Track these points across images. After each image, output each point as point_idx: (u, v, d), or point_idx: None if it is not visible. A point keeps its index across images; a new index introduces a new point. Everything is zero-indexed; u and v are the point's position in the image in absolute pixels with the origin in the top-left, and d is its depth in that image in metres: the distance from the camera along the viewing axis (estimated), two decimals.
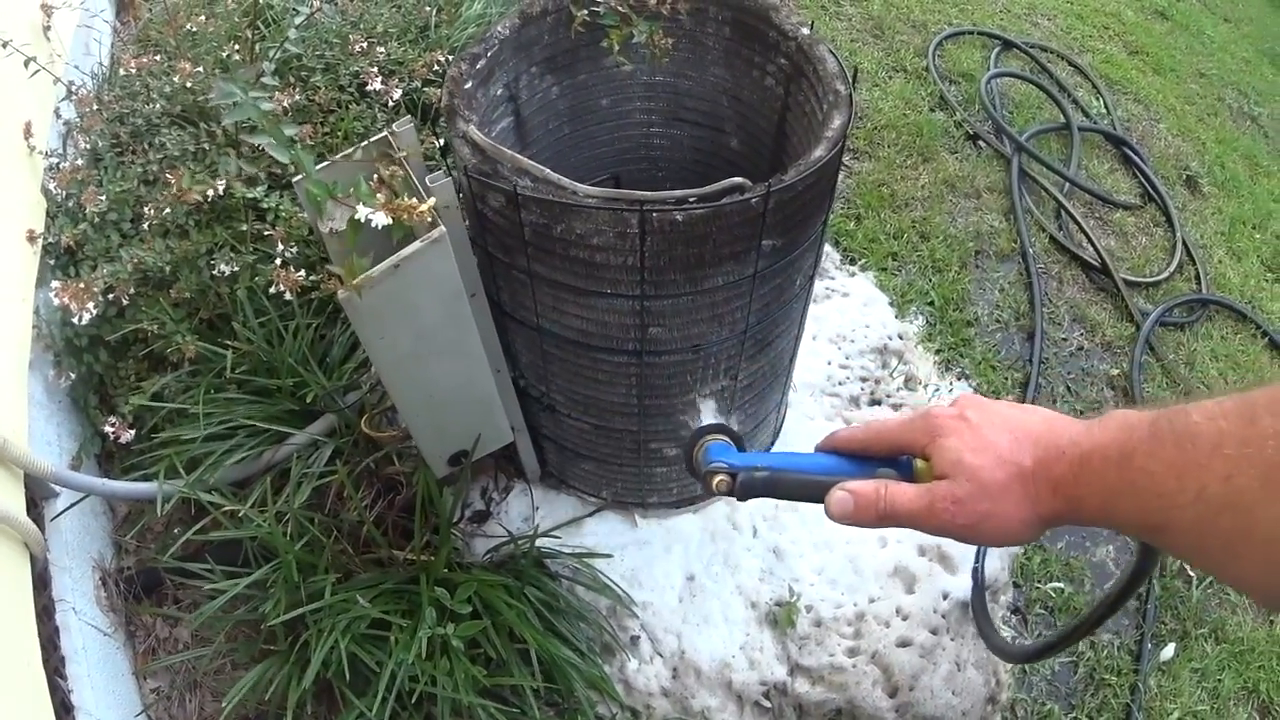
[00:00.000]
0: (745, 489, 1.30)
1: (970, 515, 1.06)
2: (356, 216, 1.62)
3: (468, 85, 2.04)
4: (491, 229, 1.95)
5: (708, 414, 1.69)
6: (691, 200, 1.74)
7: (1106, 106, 5.22)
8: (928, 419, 1.15)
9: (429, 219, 1.68)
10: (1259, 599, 0.88)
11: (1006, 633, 2.91)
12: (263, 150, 1.94)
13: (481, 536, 2.67)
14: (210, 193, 2.63)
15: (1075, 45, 5.75)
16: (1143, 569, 1.31)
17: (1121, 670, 2.92)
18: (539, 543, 2.56)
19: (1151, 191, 4.73)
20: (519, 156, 1.82)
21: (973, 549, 2.80)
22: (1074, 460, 0.99)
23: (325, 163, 1.82)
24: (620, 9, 2.03)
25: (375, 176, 1.73)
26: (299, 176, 1.76)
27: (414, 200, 1.66)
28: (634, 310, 1.95)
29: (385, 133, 1.85)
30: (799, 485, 1.26)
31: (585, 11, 2.05)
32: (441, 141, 3.07)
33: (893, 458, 1.21)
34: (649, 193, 1.74)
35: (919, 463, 1.17)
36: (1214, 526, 0.81)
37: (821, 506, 1.19)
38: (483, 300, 2.09)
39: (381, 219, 1.63)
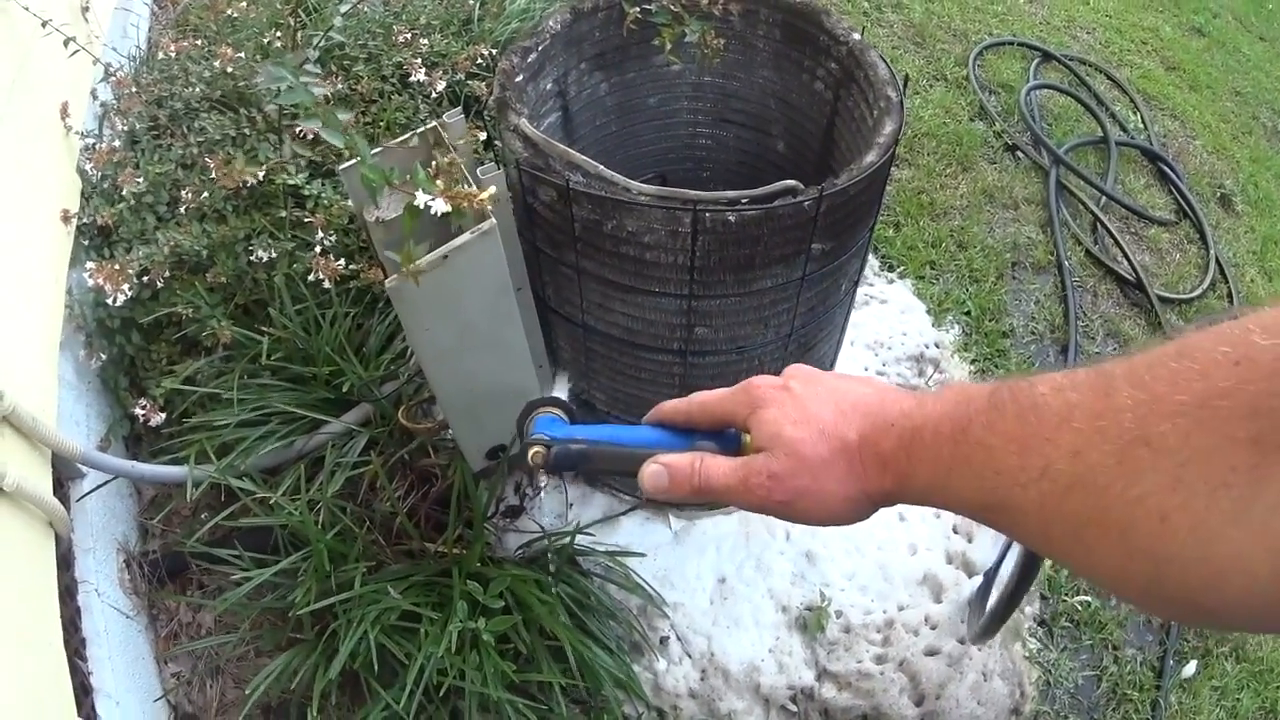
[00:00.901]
0: (558, 461, 1.23)
1: (787, 491, 0.97)
2: (415, 203, 1.61)
3: (519, 78, 2.04)
4: (541, 223, 1.94)
5: (559, 386, 1.66)
6: (744, 201, 1.74)
7: (1143, 122, 5.20)
8: (749, 389, 1.06)
9: (490, 207, 1.67)
10: (1111, 589, 0.79)
11: (1034, 645, 2.90)
12: (306, 136, 1.94)
13: (515, 532, 2.67)
14: (252, 178, 2.63)
15: (1113, 59, 5.73)
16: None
17: (1144, 686, 2.91)
18: (573, 540, 2.55)
19: (1186, 208, 4.71)
20: (571, 151, 1.82)
21: (994, 555, 2.79)
22: (904, 433, 0.90)
23: (376, 149, 1.81)
24: (673, 8, 2.02)
25: (433, 164, 1.72)
26: (345, 164, 1.75)
27: (474, 188, 1.64)
28: (681, 310, 1.94)
29: (435, 123, 1.84)
30: (614, 458, 1.20)
31: (637, 9, 2.04)
32: (485, 135, 3.07)
33: (719, 431, 1.15)
34: (701, 192, 1.73)
35: (746, 437, 1.09)
36: (1060, 508, 0.73)
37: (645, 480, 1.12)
38: (528, 295, 2.08)
39: (441, 206, 1.61)
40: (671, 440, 1.16)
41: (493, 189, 1.69)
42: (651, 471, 1.08)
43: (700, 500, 1.06)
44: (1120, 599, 2.83)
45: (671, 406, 1.17)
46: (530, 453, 1.23)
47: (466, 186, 1.65)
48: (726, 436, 1.14)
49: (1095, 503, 0.70)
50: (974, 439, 0.81)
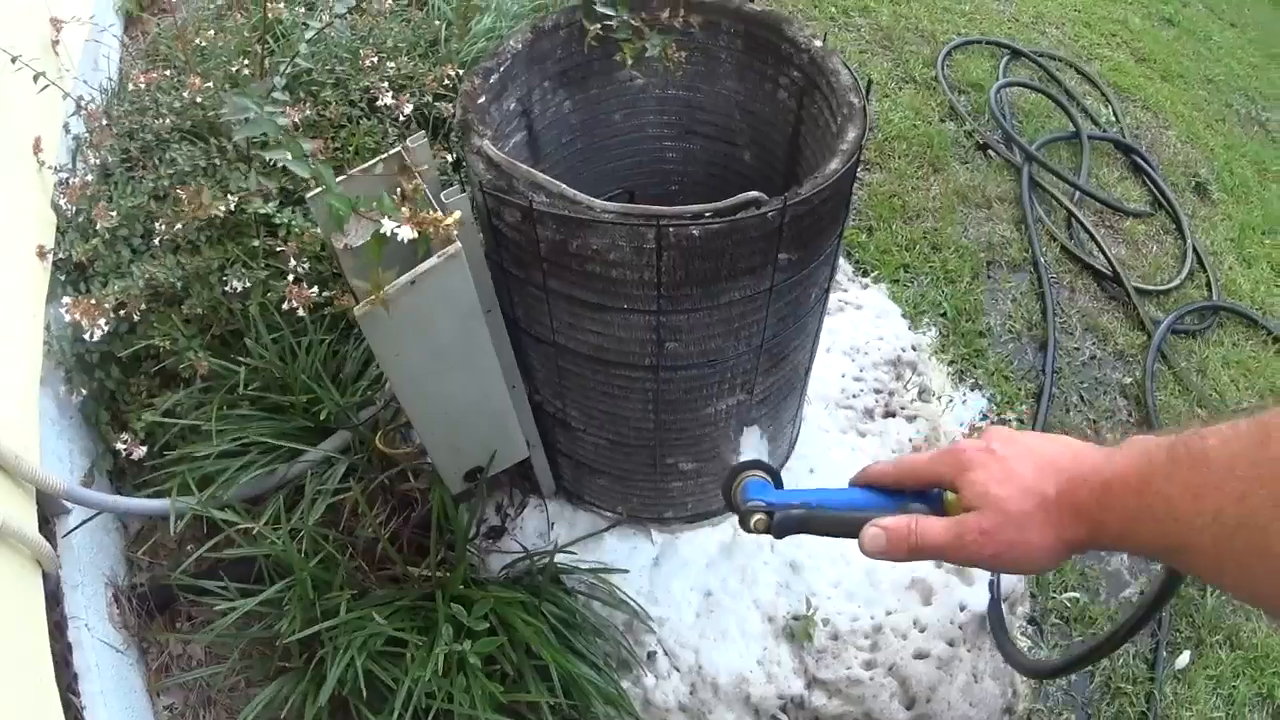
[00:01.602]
0: (781, 528, 1.31)
1: (997, 545, 1.07)
2: (382, 230, 1.61)
3: (481, 100, 2.04)
4: (507, 244, 1.94)
5: (748, 447, 1.69)
6: (708, 215, 1.74)
7: (1115, 114, 5.21)
8: (955, 453, 1.17)
9: (455, 231, 1.67)
10: (1276, 614, 0.90)
11: (1023, 643, 2.90)
12: (275, 165, 1.94)
13: (497, 553, 2.67)
14: (223, 208, 2.63)
15: (1083, 53, 5.75)
16: (1168, 589, 1.31)
17: (1137, 679, 2.91)
18: (555, 558, 2.55)
19: (1161, 199, 4.72)
20: (534, 171, 1.82)
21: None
22: (1096, 487, 1.00)
23: (341, 177, 1.81)
24: (633, 22, 2.03)
25: (398, 191, 1.72)
26: (313, 192, 1.75)
27: (439, 213, 1.65)
28: (650, 325, 1.95)
29: (399, 148, 1.84)
30: (834, 522, 1.27)
31: (598, 26, 2.04)
32: (452, 156, 3.07)
33: (923, 491, 1.23)
34: (665, 207, 1.74)
35: (949, 495, 1.19)
36: (1230, 546, 0.83)
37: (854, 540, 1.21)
38: (498, 316, 2.08)
39: (407, 233, 1.62)
40: (880, 501, 1.26)
41: (458, 214, 1.69)
42: (871, 535, 1.18)
43: (916, 559, 1.17)
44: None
45: (879, 470, 1.29)
46: (753, 520, 1.33)
47: (432, 211, 1.66)
48: (930, 496, 1.23)
49: (1259, 540, 0.81)
50: (1156, 490, 0.91)
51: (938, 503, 1.21)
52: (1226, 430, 0.86)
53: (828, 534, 1.28)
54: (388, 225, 1.62)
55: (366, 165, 1.83)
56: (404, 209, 1.65)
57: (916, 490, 1.24)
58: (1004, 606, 2.79)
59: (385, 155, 1.85)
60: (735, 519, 1.39)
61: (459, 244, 1.72)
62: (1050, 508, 1.05)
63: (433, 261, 1.70)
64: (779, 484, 1.43)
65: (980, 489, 1.10)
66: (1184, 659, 2.98)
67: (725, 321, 1.97)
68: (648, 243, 1.75)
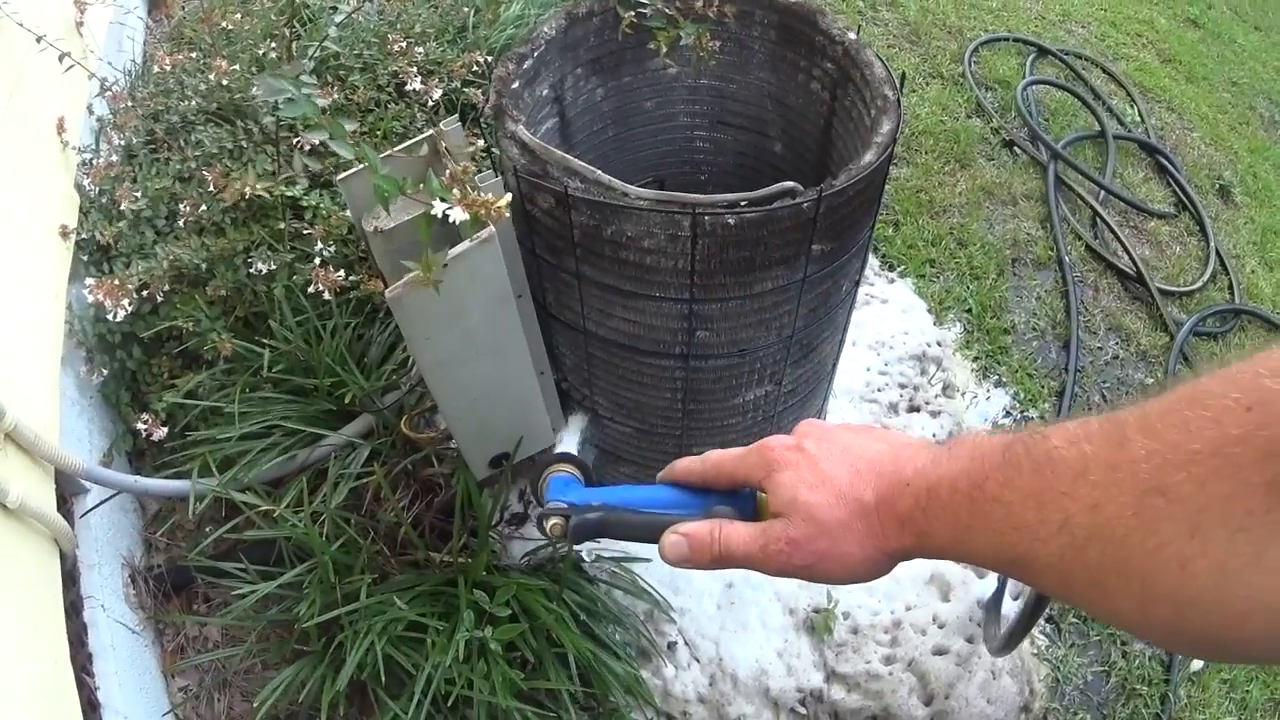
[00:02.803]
0: (577, 533, 1.21)
1: (808, 555, 0.98)
2: (433, 211, 1.60)
3: (514, 85, 2.03)
4: (540, 230, 1.94)
5: (569, 435, 1.63)
6: (743, 204, 1.73)
7: (1140, 115, 5.20)
8: (763, 451, 1.07)
9: (508, 214, 1.66)
10: (1134, 632, 0.81)
11: (1042, 641, 2.90)
12: (304, 147, 1.93)
13: (519, 539, 2.66)
14: (254, 191, 2.62)
15: (1109, 53, 5.73)
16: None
17: (1153, 680, 2.91)
18: (577, 546, 2.54)
19: (1185, 200, 4.71)
20: (569, 157, 1.81)
21: None
22: (919, 492, 0.91)
23: (381, 157, 1.81)
24: (667, 11, 2.02)
25: (447, 172, 1.71)
26: (344, 174, 1.74)
27: (490, 195, 1.64)
28: (682, 314, 1.94)
29: (432, 131, 1.84)
30: (633, 526, 1.18)
31: (632, 13, 2.03)
32: (481, 142, 3.06)
33: (735, 491, 1.14)
34: (700, 195, 1.73)
35: (762, 495, 1.09)
36: (1081, 560, 0.75)
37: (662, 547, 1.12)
38: (529, 302, 2.08)
39: (460, 214, 1.60)
40: (686, 500, 1.16)
41: (508, 196, 1.68)
42: (672, 542, 1.08)
43: (721, 568, 1.07)
44: (1142, 640, 2.85)
45: (684, 467, 1.17)
46: (549, 525, 1.23)
47: (481, 194, 1.65)
48: (742, 496, 1.13)
49: (1115, 553, 0.72)
50: (990, 495, 0.82)
51: (750, 504, 1.12)
52: (1073, 429, 0.78)
53: (628, 539, 1.19)
54: (439, 207, 1.60)
55: (405, 145, 1.82)
56: (455, 191, 1.64)
57: (726, 490, 1.15)
58: (1017, 602, 2.78)
59: (419, 138, 1.84)
60: None
61: (492, 229, 1.71)
62: (869, 515, 0.96)
63: (466, 245, 1.69)
64: (589, 480, 1.37)
65: (789, 494, 1.00)
66: (1198, 662, 2.97)
67: (757, 311, 1.96)
68: (683, 230, 1.74)
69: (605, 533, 1.20)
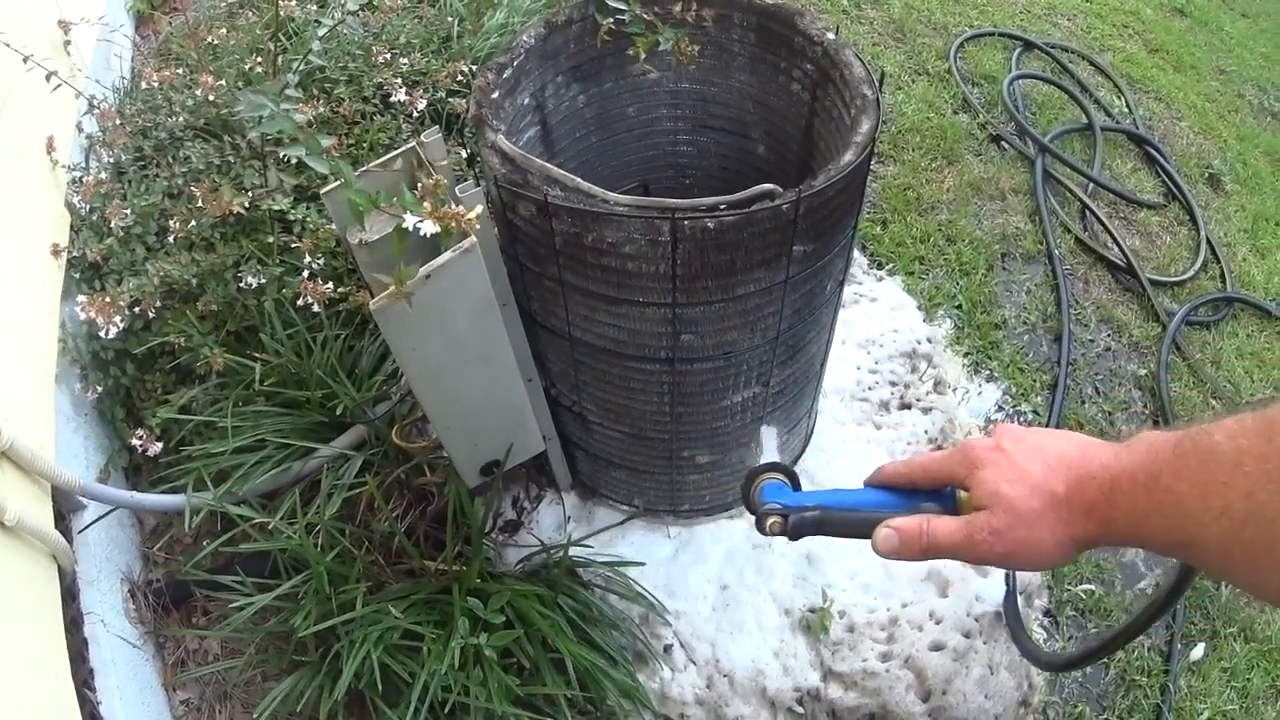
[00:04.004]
0: (796, 530, 1.31)
1: (1008, 544, 1.08)
2: (404, 225, 1.61)
3: (495, 95, 2.04)
4: (522, 238, 1.95)
5: (768, 449, 1.68)
6: (723, 207, 1.74)
7: (1128, 105, 5.20)
8: (966, 451, 1.18)
9: (477, 225, 1.67)
10: None
11: (1039, 635, 2.90)
12: (290, 162, 1.94)
13: (513, 546, 2.67)
14: (241, 205, 2.63)
15: (1095, 44, 5.73)
16: (1182, 583, 1.31)
17: (1152, 671, 2.91)
18: (571, 552, 2.56)
19: (1174, 190, 4.71)
20: (549, 165, 1.82)
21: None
22: (1104, 484, 1.01)
23: (358, 172, 1.81)
24: (646, 17, 2.03)
25: (419, 185, 1.72)
26: (328, 188, 1.75)
27: (461, 208, 1.65)
28: (666, 318, 1.95)
29: (414, 143, 1.84)
30: (848, 523, 1.28)
31: (610, 20, 2.04)
32: (466, 152, 3.07)
33: (936, 490, 1.24)
34: (680, 200, 1.74)
35: (961, 494, 1.20)
36: (1238, 541, 0.84)
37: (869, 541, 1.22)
38: (514, 310, 2.08)
39: (430, 228, 1.61)
40: (894, 501, 1.26)
41: (479, 208, 1.69)
42: (884, 535, 1.19)
43: (929, 559, 1.18)
44: None
45: (893, 470, 1.29)
46: (768, 522, 1.33)
47: (452, 206, 1.66)
48: (943, 495, 1.23)
49: (1266, 534, 0.82)
50: (1164, 486, 0.92)
51: (950, 501, 1.22)
52: (1232, 425, 0.86)
53: (842, 535, 1.28)
54: (410, 220, 1.62)
55: (382, 160, 1.84)
56: (426, 204, 1.65)
57: (929, 489, 1.25)
58: (1021, 600, 2.79)
59: (400, 150, 1.85)
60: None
61: (474, 238, 1.72)
62: (1060, 505, 1.06)
63: (448, 256, 1.70)
64: (796, 486, 1.43)
65: (990, 487, 1.11)
66: (1199, 651, 2.98)
67: (741, 314, 1.97)
68: (663, 235, 1.75)
69: (822, 530, 1.30)
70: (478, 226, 1.68)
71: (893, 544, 1.17)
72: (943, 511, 1.20)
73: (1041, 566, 1.12)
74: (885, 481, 1.29)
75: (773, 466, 1.44)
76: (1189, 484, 0.88)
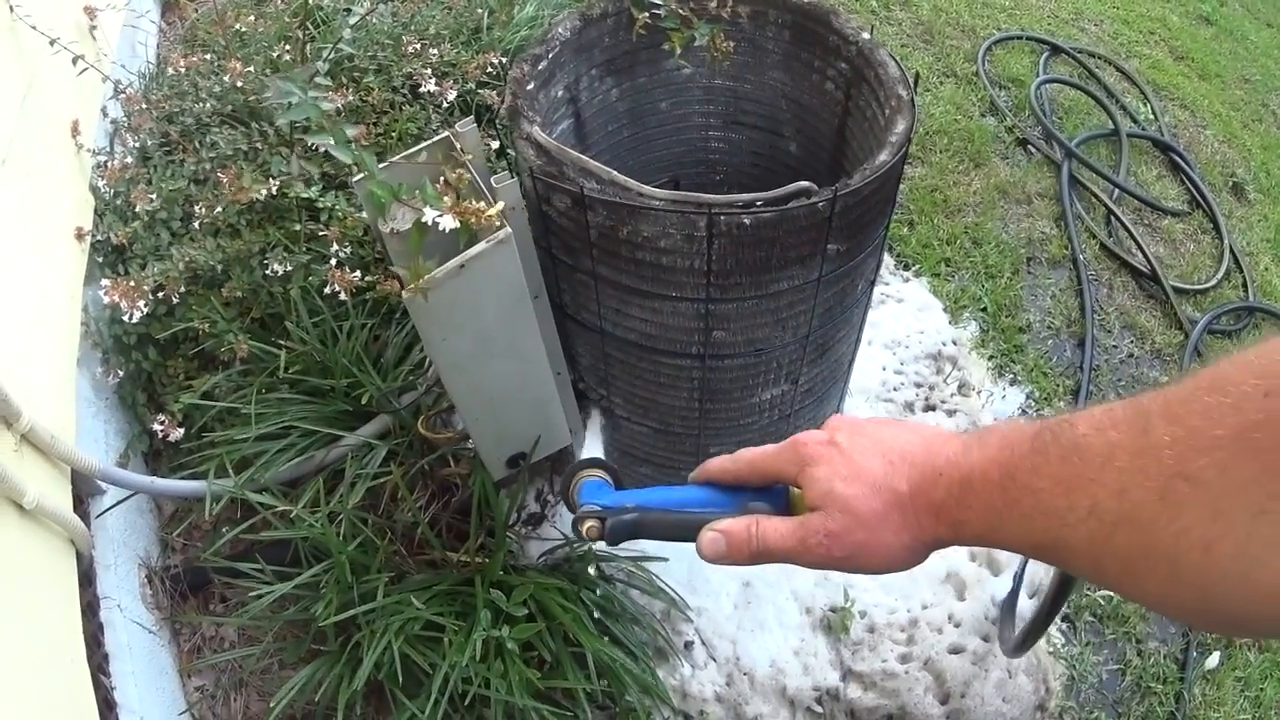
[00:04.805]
0: (613, 534, 1.22)
1: (846, 547, 1.00)
2: (423, 219, 1.60)
3: (530, 86, 2.03)
4: (556, 231, 1.94)
5: (591, 441, 1.64)
6: (759, 204, 1.73)
7: (1153, 112, 5.19)
8: (796, 446, 1.08)
9: (497, 222, 1.66)
10: (1162, 613, 0.84)
11: (1059, 640, 2.90)
12: (317, 150, 1.94)
13: (537, 539, 2.66)
14: (264, 192, 2.63)
15: (1122, 50, 5.72)
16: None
17: (1167, 678, 2.90)
18: (594, 546, 2.54)
19: (1199, 198, 4.70)
20: (584, 158, 1.81)
21: (1017, 559, 2.80)
22: (953, 482, 0.93)
23: (385, 163, 1.81)
24: (681, 11, 2.02)
25: (441, 179, 1.72)
26: (358, 177, 1.75)
27: (482, 204, 1.64)
28: (698, 313, 1.94)
29: (448, 133, 1.84)
30: (669, 525, 1.19)
31: (646, 14, 2.03)
32: (496, 144, 3.06)
33: (767, 487, 1.15)
34: (716, 195, 1.73)
35: (794, 491, 1.12)
36: (1110, 544, 0.77)
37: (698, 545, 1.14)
38: (545, 302, 2.08)
39: (449, 223, 1.60)
40: (720, 500, 1.17)
41: (501, 204, 1.68)
42: (709, 539, 1.09)
43: (760, 563, 1.08)
44: (1170, 620, 2.87)
45: (718, 466, 1.18)
46: (584, 527, 1.24)
47: (475, 201, 1.65)
48: (774, 492, 1.14)
49: (1142, 538, 0.74)
50: (1021, 483, 0.84)
51: (782, 499, 1.14)
52: (1100, 416, 0.80)
53: (664, 538, 1.21)
54: (429, 214, 1.61)
55: (410, 152, 1.83)
56: (446, 198, 1.64)
57: (759, 487, 1.16)
58: (1033, 600, 2.78)
59: (431, 141, 1.84)
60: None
61: (509, 229, 1.72)
62: (904, 505, 0.97)
63: (482, 247, 1.69)
64: (618, 484, 1.35)
65: (824, 487, 1.01)
66: (1213, 660, 2.97)
67: (773, 311, 1.97)
68: (699, 230, 1.74)
69: (641, 533, 1.21)
70: (497, 223, 1.67)
71: (719, 548, 1.09)
72: (774, 512, 1.11)
73: (885, 571, 1.03)
74: (710, 478, 1.19)
75: (593, 462, 1.37)
76: (1050, 481, 0.81)
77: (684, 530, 1.15)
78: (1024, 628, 1.30)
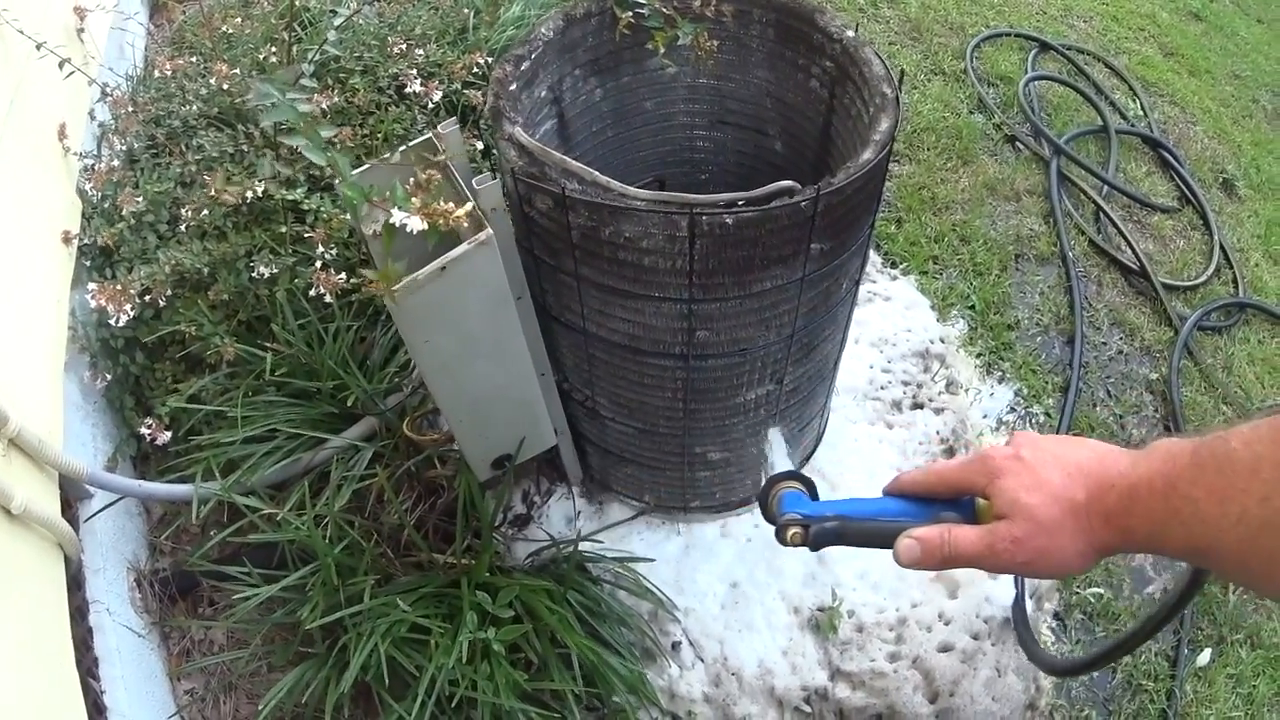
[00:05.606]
0: (817, 540, 1.32)
1: (1029, 552, 1.10)
2: (391, 221, 1.60)
3: (512, 87, 2.03)
4: (538, 232, 1.94)
5: (779, 455, 1.69)
6: (741, 203, 1.73)
7: (1143, 109, 5.18)
8: (984, 460, 1.19)
9: (465, 224, 1.66)
10: None
11: (1047, 638, 2.90)
12: (300, 152, 1.95)
13: (523, 540, 2.67)
14: (248, 194, 2.63)
15: (1111, 47, 5.72)
16: (1193, 588, 1.31)
17: (1159, 676, 2.89)
18: (581, 547, 2.55)
19: (1188, 194, 4.69)
20: (566, 158, 1.81)
21: None
22: (1123, 492, 1.03)
23: (366, 165, 1.81)
24: (665, 11, 2.02)
25: (412, 180, 1.71)
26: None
27: (450, 205, 1.63)
28: (681, 314, 1.94)
29: (430, 134, 1.84)
30: (868, 533, 1.28)
31: (630, 14, 2.03)
32: (481, 144, 3.06)
33: (955, 499, 1.25)
34: (698, 195, 1.73)
35: (980, 501, 1.21)
36: (1255, 546, 0.86)
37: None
38: (528, 303, 2.08)
39: (417, 224, 1.60)
40: (913, 510, 1.28)
41: (469, 205, 1.67)
42: (905, 545, 1.20)
43: (950, 568, 1.20)
44: None
45: (911, 479, 1.30)
46: (789, 533, 1.35)
47: (447, 202, 1.64)
48: (962, 503, 1.24)
49: None
50: (1182, 494, 0.94)
51: (969, 510, 1.22)
52: (1248, 432, 0.88)
53: (863, 545, 1.28)
54: (397, 216, 1.60)
55: (386, 156, 1.83)
56: (415, 199, 1.63)
57: (948, 498, 1.25)
58: (1032, 603, 2.78)
59: (412, 143, 1.84)
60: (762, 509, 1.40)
61: (490, 231, 1.72)
62: (1080, 513, 1.07)
63: (464, 248, 1.70)
64: (814, 494, 1.44)
65: (1010, 496, 1.12)
66: (1205, 657, 2.97)
67: (757, 311, 1.97)
68: (680, 230, 1.74)
69: (843, 540, 1.31)
70: (466, 224, 1.66)
71: (914, 554, 1.18)
72: (962, 520, 1.20)
73: (1062, 574, 1.14)
74: (903, 490, 1.30)
75: (790, 475, 1.45)
76: (1206, 491, 0.90)
77: (883, 537, 1.25)
78: (1096, 651, 1.40)
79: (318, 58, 2.70)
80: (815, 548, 1.33)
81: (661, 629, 2.62)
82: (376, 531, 2.48)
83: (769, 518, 1.43)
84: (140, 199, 2.70)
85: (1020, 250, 4.12)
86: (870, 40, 4.18)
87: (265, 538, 2.40)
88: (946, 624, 2.68)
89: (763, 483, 1.49)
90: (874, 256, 3.89)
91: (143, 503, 2.83)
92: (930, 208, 4.20)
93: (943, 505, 1.25)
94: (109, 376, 2.69)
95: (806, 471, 2.32)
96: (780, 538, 1.35)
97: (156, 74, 3.28)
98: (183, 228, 2.69)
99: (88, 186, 2.81)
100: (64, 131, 2.80)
